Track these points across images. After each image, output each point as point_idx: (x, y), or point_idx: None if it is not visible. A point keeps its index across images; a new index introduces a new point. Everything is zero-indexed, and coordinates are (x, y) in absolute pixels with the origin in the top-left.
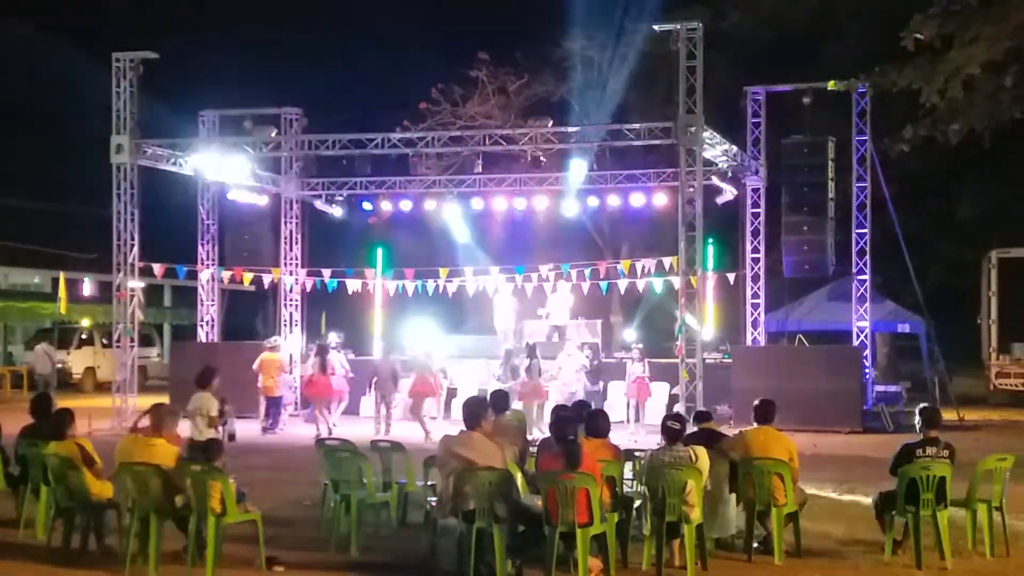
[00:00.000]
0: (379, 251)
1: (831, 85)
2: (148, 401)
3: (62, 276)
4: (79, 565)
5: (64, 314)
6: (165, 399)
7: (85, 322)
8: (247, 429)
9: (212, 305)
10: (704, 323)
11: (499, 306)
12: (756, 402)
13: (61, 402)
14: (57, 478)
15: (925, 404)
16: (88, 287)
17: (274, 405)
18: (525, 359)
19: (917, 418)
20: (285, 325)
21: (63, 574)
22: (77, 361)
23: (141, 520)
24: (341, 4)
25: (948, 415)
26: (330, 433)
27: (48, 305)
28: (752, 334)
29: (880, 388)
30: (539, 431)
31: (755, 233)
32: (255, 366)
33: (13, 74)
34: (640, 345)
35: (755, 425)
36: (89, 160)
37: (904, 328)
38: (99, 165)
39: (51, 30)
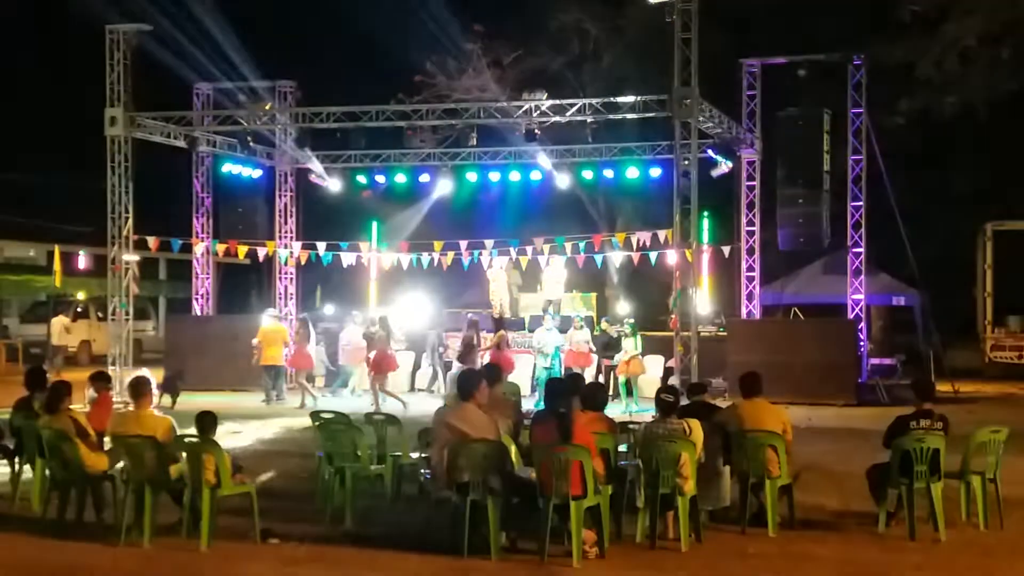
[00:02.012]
0: (374, 224)
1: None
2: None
3: (57, 249)
4: (74, 537)
5: (59, 287)
6: (159, 372)
7: (80, 295)
8: (245, 402)
9: (207, 278)
10: (699, 296)
11: (494, 280)
12: (742, 376)
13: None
14: (52, 451)
15: (919, 376)
16: (83, 260)
17: (277, 376)
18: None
19: (911, 390)
20: (280, 298)
21: (59, 546)
22: (73, 334)
23: (136, 492)
24: None
25: (943, 387)
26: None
27: (43, 278)
28: (747, 307)
29: (875, 361)
30: None
31: (750, 206)
32: (257, 337)
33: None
34: (631, 320)
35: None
36: (83, 133)
37: (899, 301)
38: (94, 138)
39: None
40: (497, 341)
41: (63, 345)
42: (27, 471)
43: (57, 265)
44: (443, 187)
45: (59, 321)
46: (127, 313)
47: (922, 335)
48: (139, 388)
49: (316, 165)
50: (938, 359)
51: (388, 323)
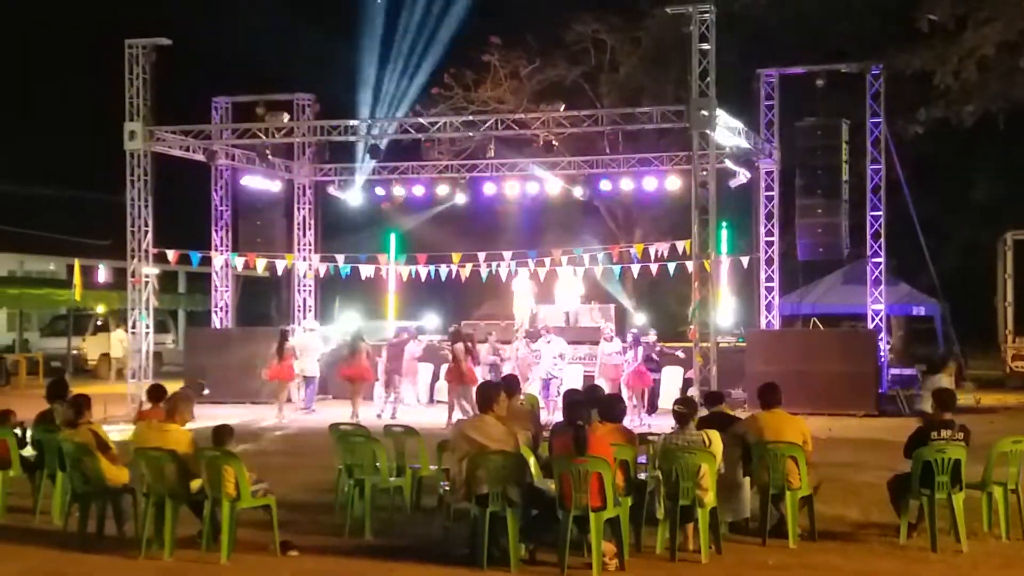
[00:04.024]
0: (392, 236)
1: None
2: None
3: (77, 263)
4: (95, 550)
5: (79, 301)
6: (179, 384)
7: (100, 308)
8: (264, 414)
9: (226, 291)
10: (718, 307)
11: (517, 291)
12: (760, 387)
13: (76, 388)
14: (73, 464)
15: (940, 387)
16: (103, 273)
17: (310, 386)
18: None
19: (932, 401)
20: (299, 311)
21: (79, 559)
22: (93, 347)
23: (156, 505)
24: None
25: (964, 398)
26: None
27: (63, 292)
28: (766, 317)
29: (895, 371)
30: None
31: (769, 216)
32: (294, 349)
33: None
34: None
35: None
36: (103, 147)
37: (919, 311)
38: (113, 152)
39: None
40: (456, 354)
41: (121, 357)
42: (48, 484)
43: (77, 279)
44: (460, 199)
45: (117, 335)
46: (147, 326)
47: (943, 345)
48: (177, 403)
49: None
50: (959, 369)
51: (361, 335)
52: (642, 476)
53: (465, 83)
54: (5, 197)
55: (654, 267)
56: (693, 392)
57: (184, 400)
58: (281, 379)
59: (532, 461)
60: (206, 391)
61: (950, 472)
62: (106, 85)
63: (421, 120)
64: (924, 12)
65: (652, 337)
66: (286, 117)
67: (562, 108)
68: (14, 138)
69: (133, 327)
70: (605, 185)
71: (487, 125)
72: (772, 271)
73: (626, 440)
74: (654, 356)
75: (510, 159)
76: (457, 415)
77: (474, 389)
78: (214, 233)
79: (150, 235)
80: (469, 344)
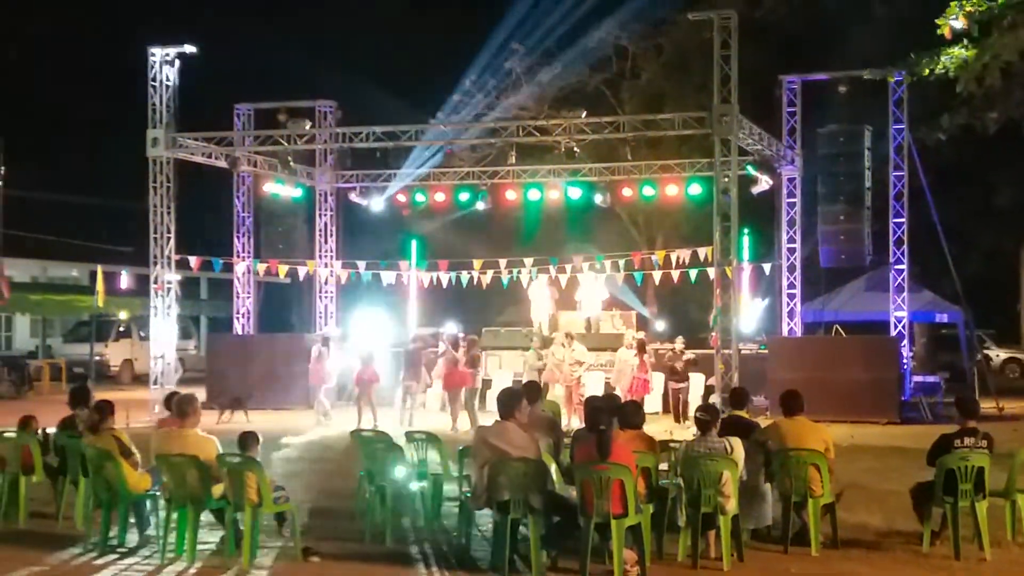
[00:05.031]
0: (413, 243)
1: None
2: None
3: (100, 269)
4: (117, 556)
5: (102, 307)
6: (201, 391)
7: (123, 315)
8: (286, 421)
9: (248, 297)
10: (740, 314)
11: (535, 297)
12: (782, 394)
13: (99, 394)
14: (95, 470)
15: (963, 394)
16: (125, 280)
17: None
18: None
19: (955, 408)
20: (320, 317)
21: (101, 565)
22: (115, 353)
23: (178, 511)
24: None
25: (987, 405)
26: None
27: (86, 298)
28: (788, 324)
29: (918, 378)
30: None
31: (791, 223)
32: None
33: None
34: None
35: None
36: (126, 153)
37: (942, 318)
38: (136, 159)
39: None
40: (452, 358)
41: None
42: (71, 490)
43: (100, 285)
44: (481, 205)
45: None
46: (170, 332)
47: (966, 352)
48: (184, 407)
49: None
50: (982, 376)
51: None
52: (664, 483)
53: (487, 90)
54: (29, 204)
55: (675, 274)
56: (715, 399)
57: (189, 402)
58: (320, 382)
59: (553, 468)
60: (252, 396)
61: (974, 480)
62: (130, 92)
63: (443, 126)
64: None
65: (680, 345)
66: (308, 124)
67: (584, 115)
68: (38, 146)
69: (155, 333)
70: (626, 191)
71: (508, 132)
72: (794, 278)
73: (648, 447)
74: (678, 367)
75: (531, 166)
76: (463, 420)
77: (466, 392)
78: (236, 239)
79: (172, 241)
80: (465, 348)
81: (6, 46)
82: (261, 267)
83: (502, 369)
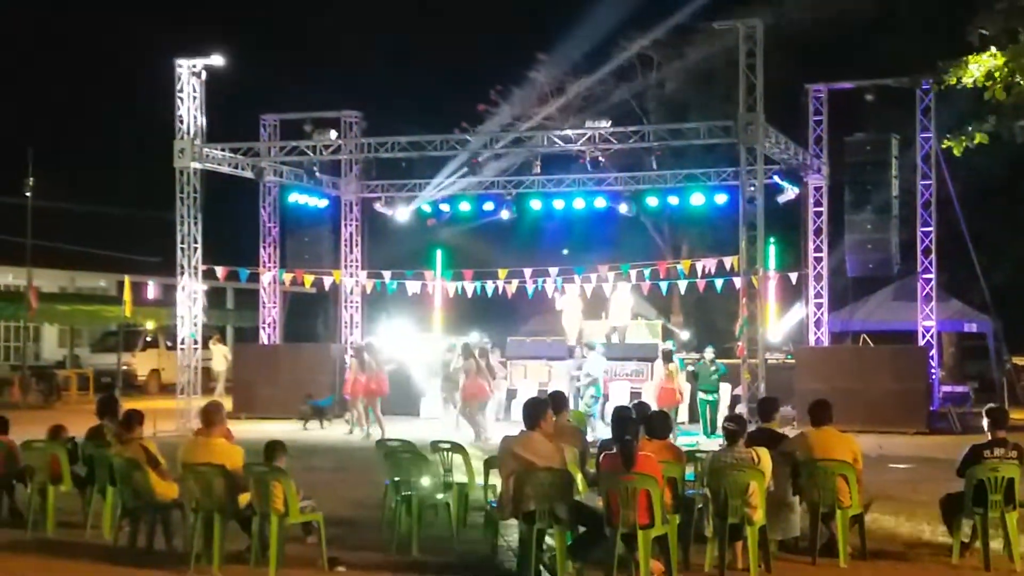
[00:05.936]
0: (438, 252)
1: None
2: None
3: (127, 279)
4: (145, 565)
5: (129, 317)
6: (228, 400)
7: (150, 325)
8: (311, 431)
9: (274, 307)
10: (766, 324)
11: (566, 307)
12: (811, 404)
13: (126, 403)
14: (123, 479)
15: (993, 404)
16: (152, 290)
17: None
18: (459, 359)
19: (985, 419)
20: (345, 327)
21: (129, 574)
22: (142, 363)
23: (205, 520)
24: (401, 7)
25: (1017, 415)
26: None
27: (113, 308)
28: (815, 334)
29: (947, 388)
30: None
31: (817, 232)
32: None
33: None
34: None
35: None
36: (153, 164)
37: (971, 327)
38: (163, 169)
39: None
40: (469, 369)
41: (222, 371)
42: (99, 499)
43: (127, 295)
44: (506, 215)
45: (219, 349)
46: (195, 342)
47: (995, 362)
48: (211, 415)
49: None
50: (1012, 386)
51: (374, 349)
52: (690, 493)
53: (511, 100)
54: (57, 215)
55: (701, 283)
56: (742, 409)
57: (215, 411)
58: (369, 394)
59: (579, 478)
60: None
61: (1003, 491)
62: (158, 103)
63: (467, 137)
64: (975, 26)
65: (710, 355)
66: (333, 134)
67: (608, 124)
68: (67, 157)
69: (181, 343)
70: (651, 201)
71: (533, 142)
72: (821, 287)
73: (674, 457)
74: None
75: (556, 175)
76: (491, 430)
77: (487, 403)
78: (262, 250)
79: (199, 252)
80: (482, 360)
81: (34, 57)
82: (287, 277)
83: (527, 379)
